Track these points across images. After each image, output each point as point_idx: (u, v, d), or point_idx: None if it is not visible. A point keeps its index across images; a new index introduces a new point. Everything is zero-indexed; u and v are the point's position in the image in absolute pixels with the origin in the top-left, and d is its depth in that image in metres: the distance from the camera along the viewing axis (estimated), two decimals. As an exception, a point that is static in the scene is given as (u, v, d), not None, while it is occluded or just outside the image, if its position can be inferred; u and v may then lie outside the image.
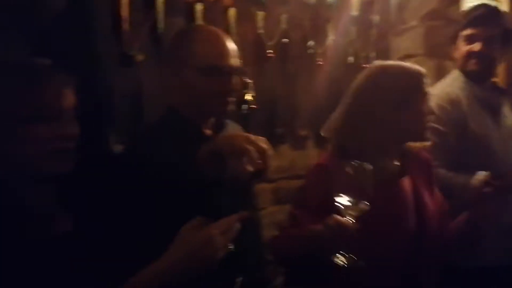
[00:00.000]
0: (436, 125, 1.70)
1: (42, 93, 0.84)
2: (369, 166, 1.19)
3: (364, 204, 1.15)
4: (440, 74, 2.84)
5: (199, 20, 1.87)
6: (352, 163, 1.19)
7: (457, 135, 1.74)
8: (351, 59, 2.42)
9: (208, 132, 1.31)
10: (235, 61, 1.29)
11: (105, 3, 1.62)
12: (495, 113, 1.83)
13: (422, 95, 1.35)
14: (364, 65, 2.39)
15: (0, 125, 0.82)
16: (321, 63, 2.29)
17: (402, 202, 1.36)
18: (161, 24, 1.79)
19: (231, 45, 1.29)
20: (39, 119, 0.83)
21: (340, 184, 1.19)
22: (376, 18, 2.44)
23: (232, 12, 2.00)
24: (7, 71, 0.85)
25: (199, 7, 1.88)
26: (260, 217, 1.70)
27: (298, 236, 1.35)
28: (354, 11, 2.39)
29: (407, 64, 1.47)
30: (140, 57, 1.69)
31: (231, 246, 0.92)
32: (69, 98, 0.89)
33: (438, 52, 2.80)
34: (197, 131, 1.28)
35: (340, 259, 1.18)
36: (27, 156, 0.83)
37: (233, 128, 1.46)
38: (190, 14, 1.86)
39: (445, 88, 1.84)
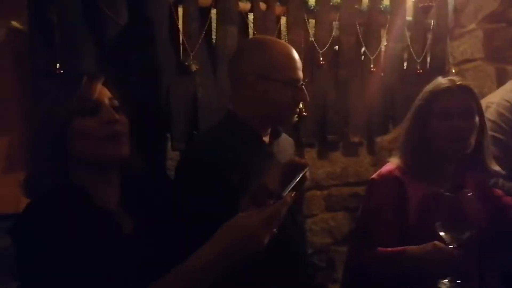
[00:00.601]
0: (497, 135, 1.64)
1: (84, 92, 0.99)
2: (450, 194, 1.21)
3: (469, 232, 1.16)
4: (500, 79, 2.72)
5: (252, 29, 1.92)
6: (445, 194, 1.22)
7: None
8: (405, 64, 2.36)
9: (266, 139, 1.36)
10: (301, 73, 1.36)
11: (163, 16, 1.71)
12: None
13: None
14: (419, 71, 2.35)
15: (57, 119, 0.97)
16: (374, 69, 2.25)
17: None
18: (215, 34, 1.86)
19: (298, 58, 1.36)
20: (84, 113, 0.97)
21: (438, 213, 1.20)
22: (432, 22, 2.37)
23: (284, 20, 2.03)
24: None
25: (251, 16, 1.93)
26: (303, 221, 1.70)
27: (396, 256, 1.32)
28: (409, 16, 2.34)
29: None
30: (195, 67, 1.75)
31: (275, 230, 0.91)
32: (105, 93, 1.02)
33: (498, 56, 2.68)
34: (258, 138, 1.34)
35: (445, 285, 1.19)
36: (82, 146, 0.97)
37: (285, 137, 1.49)
38: (242, 23, 1.92)
39: (504, 95, 1.75)
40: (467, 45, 2.58)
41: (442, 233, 1.17)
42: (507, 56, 2.72)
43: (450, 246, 1.17)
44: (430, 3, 1.89)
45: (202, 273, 0.88)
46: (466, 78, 2.58)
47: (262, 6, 1.95)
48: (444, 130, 1.34)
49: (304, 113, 2.10)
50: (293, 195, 0.92)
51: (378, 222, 1.39)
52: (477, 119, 1.36)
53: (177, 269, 0.89)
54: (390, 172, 1.43)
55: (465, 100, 1.35)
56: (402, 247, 1.29)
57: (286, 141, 1.49)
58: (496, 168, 1.43)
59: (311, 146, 2.24)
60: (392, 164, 1.45)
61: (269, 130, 1.39)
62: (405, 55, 2.36)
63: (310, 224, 2.23)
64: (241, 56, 1.38)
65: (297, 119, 2.10)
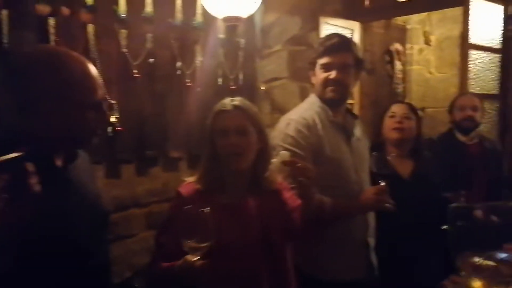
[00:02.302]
0: (295, 149, 1.78)
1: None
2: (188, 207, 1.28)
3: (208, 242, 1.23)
4: (303, 96, 3.04)
5: (53, 36, 1.74)
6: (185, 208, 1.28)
7: (314, 159, 1.80)
8: (220, 80, 2.45)
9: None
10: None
11: None
12: (348, 137, 1.94)
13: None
14: (232, 87, 2.46)
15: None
16: (190, 84, 2.27)
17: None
18: (6, 38, 1.62)
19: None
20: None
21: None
22: (242, 41, 2.52)
23: (90, 28, 1.90)
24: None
25: (52, 21, 1.75)
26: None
27: (167, 270, 1.36)
28: (221, 34, 2.44)
29: None
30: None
31: None
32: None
33: (301, 76, 3.00)
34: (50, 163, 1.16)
35: None
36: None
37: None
38: (42, 28, 1.72)
39: (302, 113, 1.91)
40: (274, 64, 2.82)
41: (185, 246, 1.23)
42: (308, 76, 3.07)
43: (195, 258, 1.23)
44: (235, 23, 2.00)
45: None
46: (274, 95, 2.82)
47: (65, 10, 1.79)
48: (222, 146, 1.45)
49: (118, 128, 1.99)
50: None
51: (165, 236, 1.44)
52: (254, 136, 1.47)
53: None
54: (183, 189, 1.50)
55: (239, 119, 1.46)
56: (173, 263, 1.32)
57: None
58: (278, 180, 1.52)
59: (128, 162, 2.13)
60: (189, 179, 1.53)
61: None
62: (220, 72, 2.45)
63: (129, 245, 2.11)
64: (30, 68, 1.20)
65: (111, 134, 2.00)
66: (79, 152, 1.23)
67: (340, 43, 1.91)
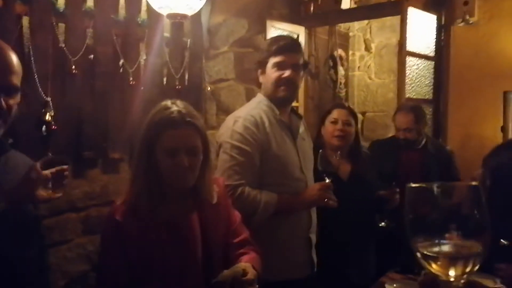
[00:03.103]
0: (243, 146, 1.78)
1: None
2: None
3: None
4: (249, 97, 3.04)
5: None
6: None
7: (261, 156, 1.83)
8: (165, 80, 2.38)
9: None
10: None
11: None
12: (294, 136, 1.98)
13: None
14: (178, 87, 2.40)
15: None
16: (133, 82, 2.19)
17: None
18: None
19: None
20: None
21: None
22: (188, 41, 2.47)
23: (25, 21, 1.77)
24: None
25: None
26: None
27: None
28: (166, 32, 2.37)
29: None
30: None
31: None
32: None
33: (247, 78, 3.00)
34: None
35: None
36: None
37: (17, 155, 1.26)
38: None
39: (250, 111, 1.92)
40: (221, 65, 2.80)
41: None
42: (254, 78, 3.08)
43: None
44: (181, 20, 1.95)
45: None
46: (221, 96, 2.79)
47: (-3, 1, 1.66)
48: (169, 166, 1.31)
49: (53, 127, 1.87)
50: None
51: (105, 267, 1.36)
52: (201, 154, 1.37)
53: None
54: (110, 213, 1.38)
55: (192, 138, 1.33)
56: None
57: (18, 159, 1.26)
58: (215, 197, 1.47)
59: (63, 163, 2.01)
60: (119, 200, 1.39)
61: None
62: (165, 71, 2.38)
63: (64, 251, 1.99)
64: None
65: (45, 133, 1.88)
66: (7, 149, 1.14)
67: (293, 44, 1.96)
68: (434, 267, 0.70)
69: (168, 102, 1.37)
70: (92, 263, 2.08)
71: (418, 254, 0.71)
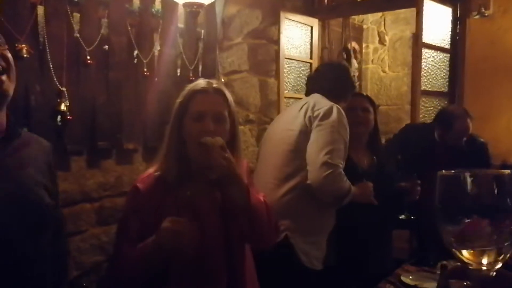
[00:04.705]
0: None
1: None
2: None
3: None
4: (263, 90, 3.02)
5: (-2, 15, 1.60)
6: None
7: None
8: (179, 71, 2.37)
9: None
10: None
11: None
12: None
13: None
14: (192, 78, 2.39)
15: None
16: (148, 73, 2.18)
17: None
18: None
19: None
20: None
21: None
22: (202, 31, 2.45)
23: (40, 10, 1.76)
24: None
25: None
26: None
27: (142, 248, 1.25)
28: (180, 23, 2.35)
29: None
30: None
31: None
32: None
33: (261, 70, 2.97)
34: None
35: None
36: None
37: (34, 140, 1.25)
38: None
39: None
40: (234, 57, 2.77)
41: None
42: (268, 70, 3.05)
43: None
44: (197, 9, 1.93)
45: None
46: (234, 88, 2.77)
47: (11, -11, 1.65)
48: (195, 131, 1.31)
49: (68, 117, 1.86)
50: None
51: (126, 234, 1.32)
52: (228, 125, 1.36)
53: None
54: (141, 183, 1.35)
55: (219, 104, 1.35)
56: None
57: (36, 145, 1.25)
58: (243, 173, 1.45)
59: (78, 154, 2.01)
60: (152, 169, 1.39)
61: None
62: (179, 62, 2.36)
63: (77, 242, 1.99)
64: None
65: (60, 123, 1.88)
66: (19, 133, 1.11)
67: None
68: (466, 256, 0.68)
69: (200, 79, 1.42)
70: (106, 254, 2.08)
71: (448, 243, 0.69)
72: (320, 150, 1.85)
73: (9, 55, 1.04)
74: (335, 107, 1.94)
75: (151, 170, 1.39)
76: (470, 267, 0.69)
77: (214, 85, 1.36)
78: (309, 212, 1.94)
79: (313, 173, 1.85)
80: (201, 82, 1.38)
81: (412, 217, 2.24)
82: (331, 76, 2.15)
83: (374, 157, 2.25)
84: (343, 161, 1.88)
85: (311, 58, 3.50)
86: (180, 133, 1.34)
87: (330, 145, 1.85)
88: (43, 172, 1.14)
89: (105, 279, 1.63)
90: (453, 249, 0.69)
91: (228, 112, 1.36)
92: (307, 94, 2.19)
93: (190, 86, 1.38)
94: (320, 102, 1.99)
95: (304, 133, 1.94)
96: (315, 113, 1.93)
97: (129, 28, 2.10)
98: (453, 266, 1.00)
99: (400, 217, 2.24)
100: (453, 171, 0.71)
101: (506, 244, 0.67)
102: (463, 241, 0.66)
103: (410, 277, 1.91)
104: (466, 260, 0.68)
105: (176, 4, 2.22)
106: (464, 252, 0.68)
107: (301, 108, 2.02)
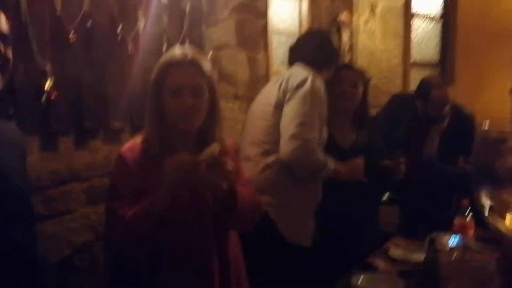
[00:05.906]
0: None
1: None
2: None
3: None
4: (252, 66, 2.99)
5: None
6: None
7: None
8: (164, 48, 2.33)
9: None
10: None
11: None
12: None
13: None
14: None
15: None
16: (132, 51, 2.14)
17: None
18: None
19: None
20: None
21: None
22: (187, 6, 2.40)
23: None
24: None
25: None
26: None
27: (142, 208, 1.27)
28: (164, -1, 2.30)
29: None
30: None
31: None
32: None
33: (249, 45, 2.93)
34: None
35: None
36: None
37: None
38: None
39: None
40: (221, 32, 2.72)
41: None
42: (256, 45, 3.01)
43: None
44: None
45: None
46: (222, 64, 2.74)
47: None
48: (174, 106, 1.33)
49: (53, 97, 1.84)
50: None
51: (117, 197, 1.35)
52: (207, 95, 1.36)
53: None
54: (130, 148, 1.39)
55: (195, 77, 1.34)
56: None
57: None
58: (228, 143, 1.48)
59: (65, 134, 2.00)
60: (136, 139, 1.43)
61: None
62: (164, 38, 2.32)
63: (68, 221, 2.00)
64: None
65: (45, 103, 1.86)
66: None
67: None
68: (508, 223, 0.67)
69: (175, 47, 1.41)
70: (96, 233, 2.10)
71: (487, 205, 0.68)
72: (290, 123, 1.80)
73: None
74: (310, 78, 1.87)
75: (137, 139, 1.41)
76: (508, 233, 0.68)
77: (189, 57, 1.35)
78: (289, 187, 1.91)
79: (283, 146, 1.82)
80: (176, 54, 1.36)
81: (395, 198, 2.23)
82: (312, 44, 2.09)
83: (361, 133, 2.24)
84: (319, 135, 1.83)
85: (300, 31, 3.45)
86: (159, 105, 1.35)
87: (300, 117, 1.79)
88: (16, 157, 1.13)
89: (110, 249, 1.64)
90: (491, 219, 0.68)
91: (206, 82, 1.35)
92: (290, 64, 2.15)
93: (164, 59, 1.37)
94: (296, 74, 1.95)
95: (279, 107, 1.90)
96: (289, 85, 1.89)
97: (112, 4, 2.05)
98: (483, 234, 1.00)
99: (383, 200, 2.23)
100: (494, 132, 0.70)
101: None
102: (506, 208, 0.66)
103: (398, 250, 1.94)
104: (504, 230, 0.67)
105: (159, -22, 2.17)
106: (508, 217, 0.66)
107: (277, 81, 1.99)
